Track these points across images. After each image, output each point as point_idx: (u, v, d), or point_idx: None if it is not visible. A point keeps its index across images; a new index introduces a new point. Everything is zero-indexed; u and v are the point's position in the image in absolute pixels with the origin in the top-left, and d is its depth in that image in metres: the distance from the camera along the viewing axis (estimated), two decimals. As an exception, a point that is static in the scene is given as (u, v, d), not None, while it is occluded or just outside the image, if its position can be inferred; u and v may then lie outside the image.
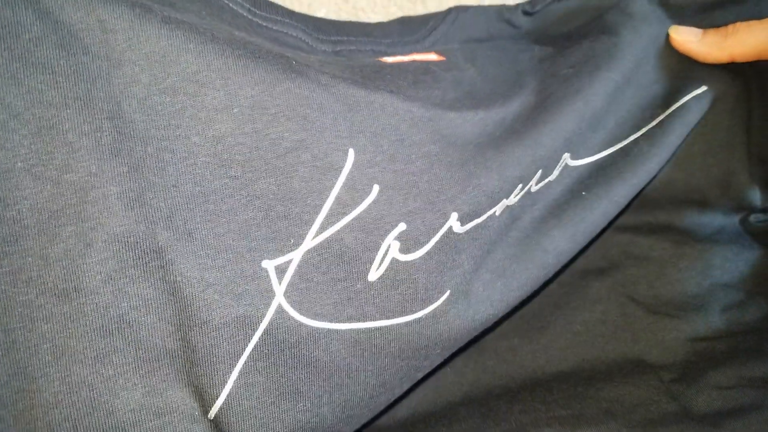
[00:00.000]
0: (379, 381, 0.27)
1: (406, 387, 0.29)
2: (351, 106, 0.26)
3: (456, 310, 0.27)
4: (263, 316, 0.24)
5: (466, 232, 0.28)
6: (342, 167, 0.25)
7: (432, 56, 0.34)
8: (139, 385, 0.22)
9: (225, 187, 0.23)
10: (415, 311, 0.27)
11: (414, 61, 0.32)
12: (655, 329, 0.34)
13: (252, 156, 0.23)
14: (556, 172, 0.31)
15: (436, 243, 0.27)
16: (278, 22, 0.31)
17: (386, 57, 0.33)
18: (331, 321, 0.25)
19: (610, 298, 0.35)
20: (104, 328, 0.22)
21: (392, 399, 0.29)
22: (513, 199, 0.29)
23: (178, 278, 0.22)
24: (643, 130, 0.33)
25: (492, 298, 0.28)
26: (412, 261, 0.27)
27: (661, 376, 0.32)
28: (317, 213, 0.24)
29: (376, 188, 0.26)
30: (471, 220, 0.28)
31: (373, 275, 0.26)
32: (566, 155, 0.31)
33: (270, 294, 0.24)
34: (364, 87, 0.26)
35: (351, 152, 0.25)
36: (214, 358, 0.23)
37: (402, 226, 0.26)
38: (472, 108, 0.30)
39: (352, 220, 0.25)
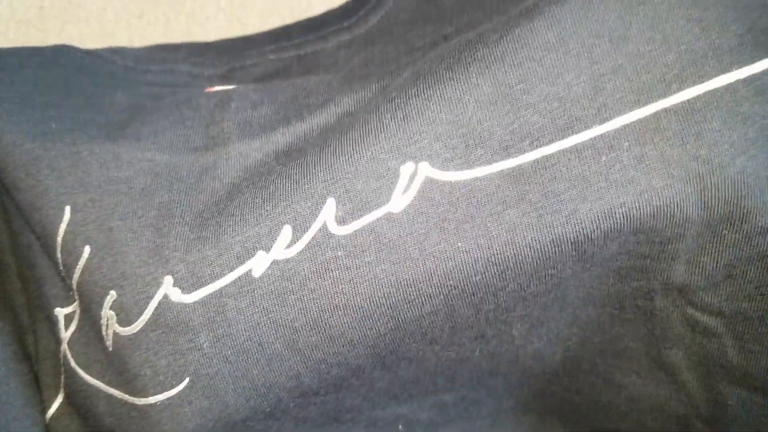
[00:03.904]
0: None
1: None
2: (78, 160, 0.24)
3: (195, 408, 0.23)
4: (60, 358, 0.26)
5: (196, 303, 0.22)
6: (58, 228, 0.24)
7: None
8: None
9: (31, 243, 0.26)
10: (147, 395, 0.23)
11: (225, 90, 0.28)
12: None
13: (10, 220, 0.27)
14: (397, 195, 0.21)
15: (153, 314, 0.22)
16: (160, 61, 0.31)
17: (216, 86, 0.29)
18: (97, 378, 0.24)
19: None
20: None
21: None
22: (286, 251, 0.22)
23: (23, 314, 0.27)
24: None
25: (248, 393, 0.23)
26: (129, 336, 0.23)
27: None
28: (61, 273, 0.25)
29: (86, 250, 0.23)
30: (197, 287, 0.22)
31: (108, 343, 0.24)
32: (423, 164, 0.21)
33: (60, 340, 0.26)
34: (106, 140, 0.25)
35: (67, 210, 0.24)
36: (45, 383, 0.27)
37: (113, 294, 0.23)
38: (252, 136, 0.24)
39: (77, 284, 0.24)
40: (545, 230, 0.20)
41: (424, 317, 0.22)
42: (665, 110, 0.20)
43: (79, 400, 0.25)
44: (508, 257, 0.20)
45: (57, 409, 0.26)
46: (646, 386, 0.26)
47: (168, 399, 0.22)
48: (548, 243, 0.20)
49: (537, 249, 0.20)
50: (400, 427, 0.27)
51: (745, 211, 0.20)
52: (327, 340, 0.22)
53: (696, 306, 0.23)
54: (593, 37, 0.20)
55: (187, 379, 0.22)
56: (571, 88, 0.20)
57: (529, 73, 0.21)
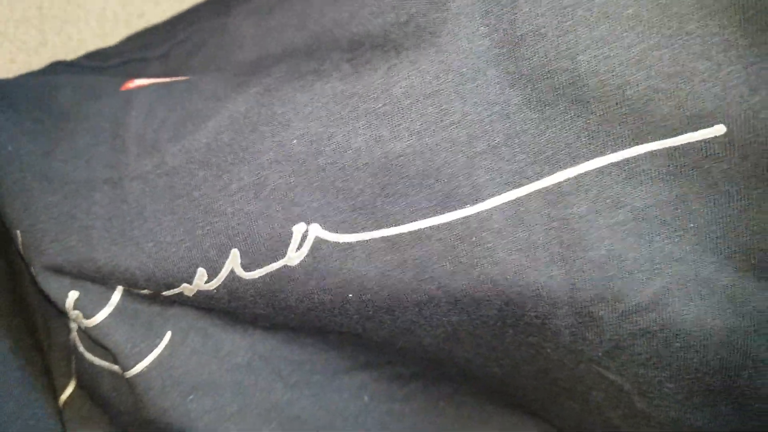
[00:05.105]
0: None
1: None
2: (23, 186, 0.26)
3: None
4: (71, 346, 0.28)
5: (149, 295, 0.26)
6: (19, 248, 0.26)
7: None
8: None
9: None
10: (128, 367, 0.26)
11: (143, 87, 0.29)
12: None
13: None
14: (291, 252, 0.23)
15: (113, 311, 0.26)
16: (119, 54, 0.34)
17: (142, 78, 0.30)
18: (102, 359, 0.27)
19: None
20: None
21: None
22: (206, 285, 0.24)
23: (36, 314, 0.29)
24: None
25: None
26: (97, 326, 0.25)
27: None
28: None
29: (33, 270, 0.25)
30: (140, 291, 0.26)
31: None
32: (314, 225, 0.23)
33: (70, 329, 0.28)
34: (43, 157, 0.26)
35: (18, 235, 0.26)
36: (58, 372, 0.29)
37: (74, 294, 0.25)
38: (146, 153, 0.26)
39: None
40: (421, 291, 0.22)
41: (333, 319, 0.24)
42: (537, 192, 0.20)
43: (87, 382, 0.28)
44: (393, 306, 0.23)
45: (69, 395, 0.29)
46: (583, 413, 0.26)
47: (157, 358, 0.26)
48: (425, 300, 0.22)
49: (415, 301, 0.22)
50: (365, 398, 0.29)
51: (616, 291, 0.20)
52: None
53: (598, 364, 0.23)
54: (476, 112, 0.21)
55: (169, 332, 0.26)
56: (448, 165, 0.21)
57: (409, 147, 0.21)
